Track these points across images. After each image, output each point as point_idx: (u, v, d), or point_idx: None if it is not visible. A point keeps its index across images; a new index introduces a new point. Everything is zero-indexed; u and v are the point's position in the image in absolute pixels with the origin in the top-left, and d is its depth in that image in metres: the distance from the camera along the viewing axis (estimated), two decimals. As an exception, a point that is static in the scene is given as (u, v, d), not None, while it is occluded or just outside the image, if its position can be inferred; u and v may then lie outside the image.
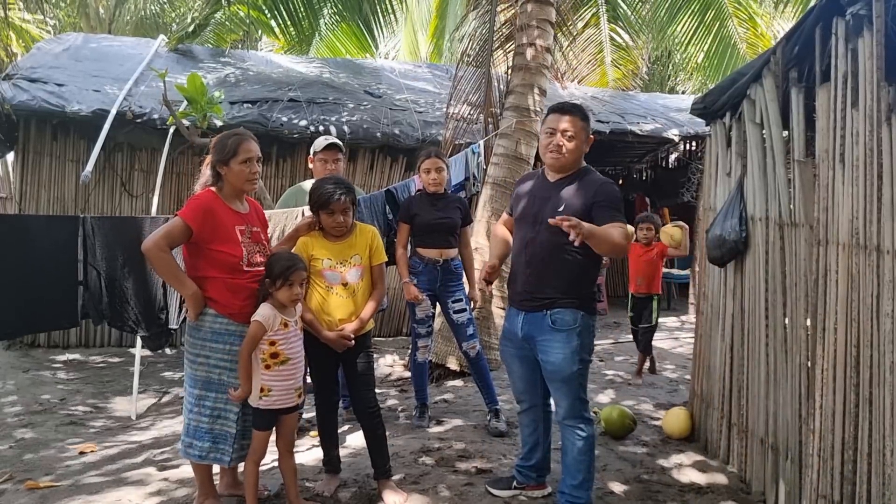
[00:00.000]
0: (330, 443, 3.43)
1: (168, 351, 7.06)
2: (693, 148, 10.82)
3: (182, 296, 3.06)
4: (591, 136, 3.13)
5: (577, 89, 10.87)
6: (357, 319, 3.26)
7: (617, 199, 2.98)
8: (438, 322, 5.20)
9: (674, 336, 7.91)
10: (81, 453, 4.07)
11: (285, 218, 4.17)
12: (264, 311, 2.92)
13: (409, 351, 4.85)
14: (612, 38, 11.89)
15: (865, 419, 2.65)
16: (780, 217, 3.35)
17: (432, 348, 4.85)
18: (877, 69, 2.61)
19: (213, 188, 3.07)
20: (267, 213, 4.20)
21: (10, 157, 9.12)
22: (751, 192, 3.63)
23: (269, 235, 4.09)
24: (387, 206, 4.92)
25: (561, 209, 2.97)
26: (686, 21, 10.51)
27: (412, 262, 4.41)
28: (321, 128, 7.52)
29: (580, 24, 10.69)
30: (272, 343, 2.92)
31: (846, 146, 2.78)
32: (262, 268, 3.07)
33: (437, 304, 4.49)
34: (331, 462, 3.43)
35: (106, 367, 6.58)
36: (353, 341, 3.22)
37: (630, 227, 3.00)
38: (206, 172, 3.12)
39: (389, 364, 6.50)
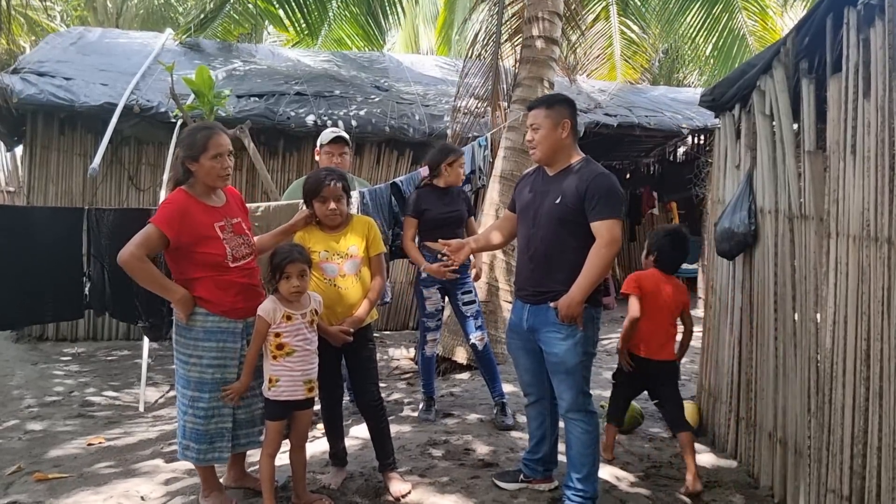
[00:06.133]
0: (336, 435, 3.43)
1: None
2: (701, 141, 10.76)
3: (170, 301, 2.95)
4: (566, 121, 3.05)
5: (585, 82, 10.81)
6: (356, 312, 3.24)
7: (609, 190, 2.95)
8: (445, 315, 5.20)
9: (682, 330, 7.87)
10: (90, 445, 4.10)
11: (291, 209, 4.17)
12: (265, 305, 2.92)
13: (417, 344, 4.84)
14: (622, 32, 11.84)
15: (875, 413, 2.62)
16: (790, 209, 3.32)
17: (440, 341, 4.85)
18: (889, 59, 2.57)
19: (183, 187, 2.95)
20: (273, 204, 4.22)
21: (19, 150, 9.15)
22: (760, 185, 3.60)
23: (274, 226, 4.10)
24: (392, 199, 4.91)
25: (558, 201, 2.99)
26: (695, 13, 10.46)
27: (424, 257, 4.36)
28: (328, 122, 7.51)
29: (590, 18, 10.65)
30: (277, 335, 2.92)
31: (857, 137, 2.75)
32: (248, 259, 3.03)
33: (446, 297, 4.48)
34: (337, 455, 3.43)
35: (114, 359, 6.61)
36: (352, 336, 3.20)
37: (617, 225, 2.97)
38: (177, 169, 2.99)
39: (396, 357, 6.50)
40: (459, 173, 4.46)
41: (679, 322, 3.82)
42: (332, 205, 3.19)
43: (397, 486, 3.24)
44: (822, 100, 3.06)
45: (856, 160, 2.75)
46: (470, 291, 4.46)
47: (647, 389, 3.83)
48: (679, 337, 3.83)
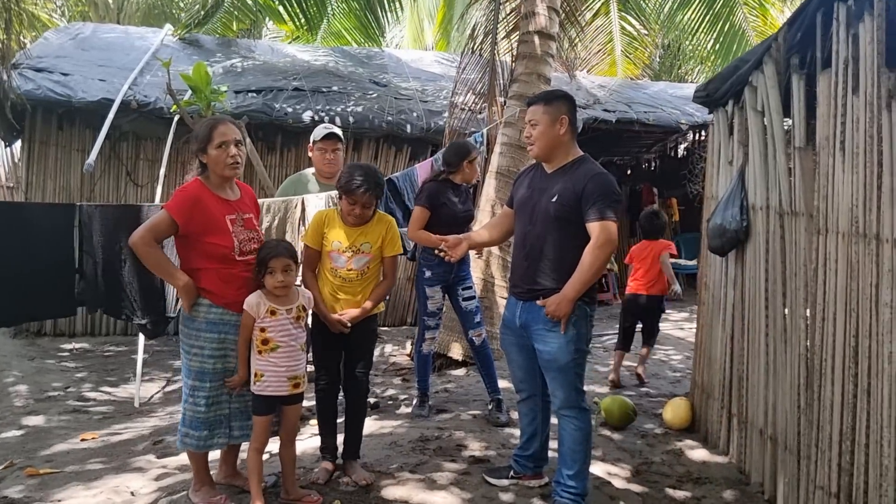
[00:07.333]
0: (328, 430, 3.44)
1: (175, 339, 7.10)
2: (701, 137, 10.74)
3: (174, 288, 3.03)
4: (564, 117, 3.03)
5: (584, 78, 10.78)
6: (361, 307, 3.27)
7: (606, 189, 2.94)
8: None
9: (680, 327, 7.87)
10: (83, 440, 4.11)
11: (285, 207, 4.17)
12: (250, 299, 2.93)
13: (414, 341, 4.83)
14: (622, 28, 11.81)
15: (864, 410, 2.62)
16: (781, 206, 3.31)
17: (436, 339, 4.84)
18: (877, 54, 2.56)
19: (200, 178, 3.02)
20: (267, 201, 4.21)
21: (17, 145, 9.16)
22: (752, 181, 3.59)
23: (269, 224, 4.11)
24: (388, 195, 4.90)
25: (554, 199, 2.99)
26: (695, 9, 10.43)
27: (428, 256, 4.30)
28: (326, 117, 7.51)
29: (589, 14, 10.62)
30: (262, 330, 2.93)
31: (846, 133, 2.74)
32: (254, 255, 3.05)
33: (446, 294, 4.48)
34: (328, 449, 3.43)
35: (111, 355, 6.63)
36: (349, 328, 3.23)
37: (612, 226, 2.96)
38: (195, 164, 3.08)
39: (392, 353, 6.51)
40: (476, 170, 4.47)
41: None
42: (358, 210, 3.23)
43: (362, 474, 3.31)
44: (813, 95, 3.05)
45: (845, 156, 2.75)
46: (470, 287, 4.47)
47: (639, 319, 5.46)
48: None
